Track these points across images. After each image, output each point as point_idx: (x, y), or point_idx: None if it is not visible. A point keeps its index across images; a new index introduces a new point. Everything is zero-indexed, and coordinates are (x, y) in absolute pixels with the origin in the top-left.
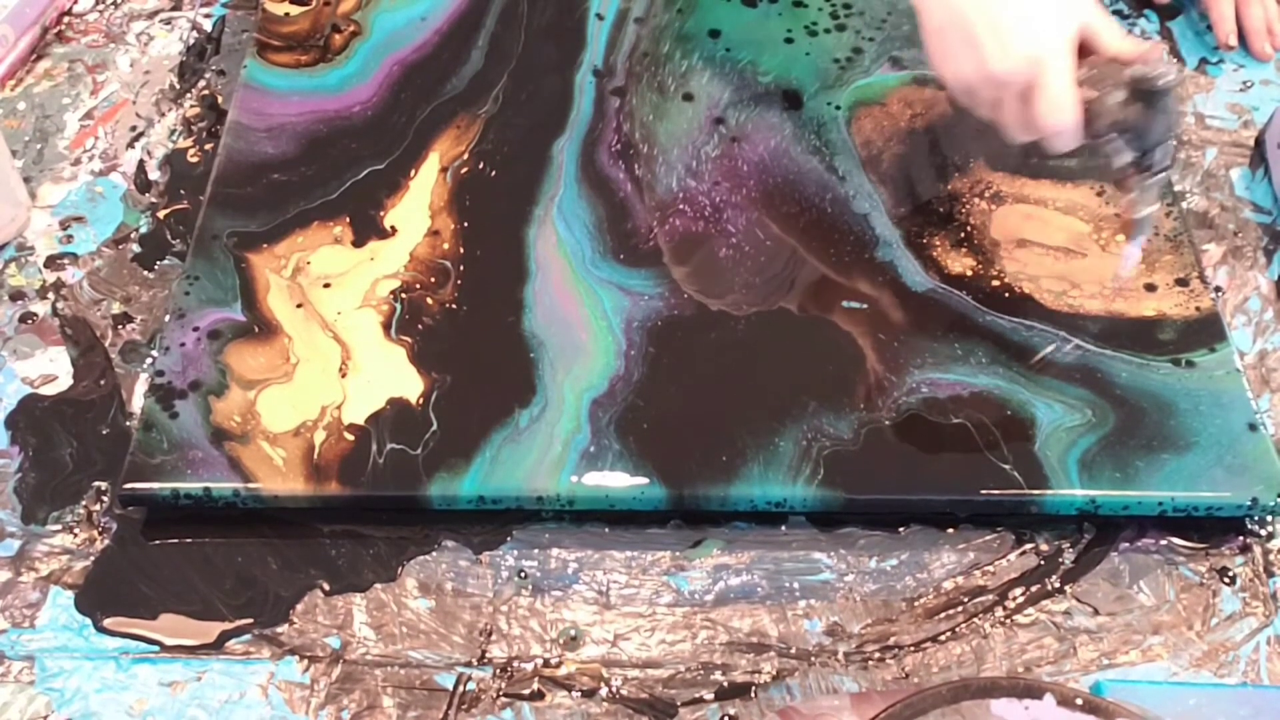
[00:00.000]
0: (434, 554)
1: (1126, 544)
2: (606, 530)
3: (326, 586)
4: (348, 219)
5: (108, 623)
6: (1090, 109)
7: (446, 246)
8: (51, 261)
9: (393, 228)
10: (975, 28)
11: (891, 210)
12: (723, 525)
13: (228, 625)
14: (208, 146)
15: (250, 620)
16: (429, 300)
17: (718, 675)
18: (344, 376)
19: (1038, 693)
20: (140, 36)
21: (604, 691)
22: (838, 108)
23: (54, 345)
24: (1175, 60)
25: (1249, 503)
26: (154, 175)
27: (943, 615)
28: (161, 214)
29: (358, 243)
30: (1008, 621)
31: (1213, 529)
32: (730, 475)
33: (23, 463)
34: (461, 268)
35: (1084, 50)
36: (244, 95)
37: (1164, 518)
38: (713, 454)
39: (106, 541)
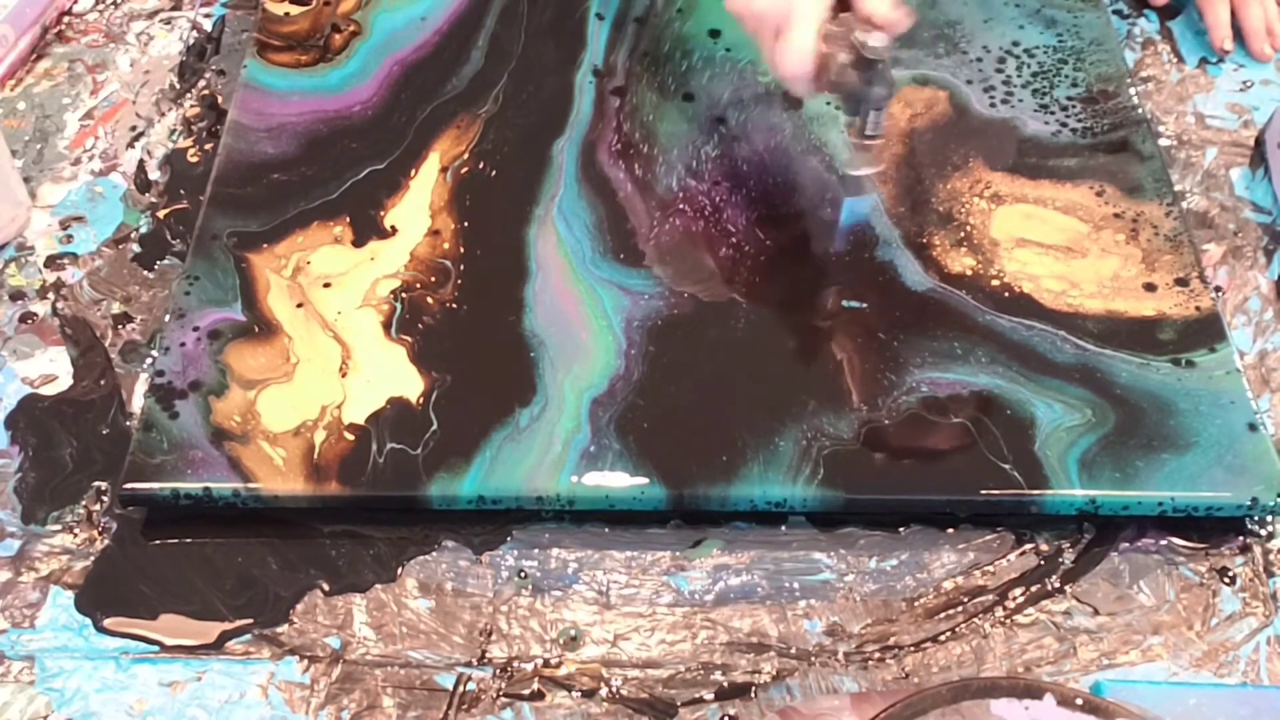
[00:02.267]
0: (434, 554)
1: (1126, 544)
2: (606, 530)
3: (326, 586)
4: (348, 219)
5: (108, 623)
6: (823, 63)
7: (447, 246)
8: (51, 261)
9: (393, 227)
10: None
11: (892, 210)
12: (723, 525)
13: (228, 625)
14: (208, 146)
15: (250, 620)
16: (429, 300)
17: (718, 675)
18: (344, 376)
19: (1038, 693)
20: (140, 36)
21: (604, 691)
22: (838, 108)
23: (54, 345)
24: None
25: (1249, 503)
26: (154, 175)
27: (943, 615)
28: (161, 214)
29: (358, 242)
30: (1008, 621)
31: (1213, 529)
32: (730, 475)
33: (23, 463)
34: (462, 267)
35: (843, 5)
36: (244, 95)
37: (1164, 518)
38: (713, 454)
39: (106, 541)
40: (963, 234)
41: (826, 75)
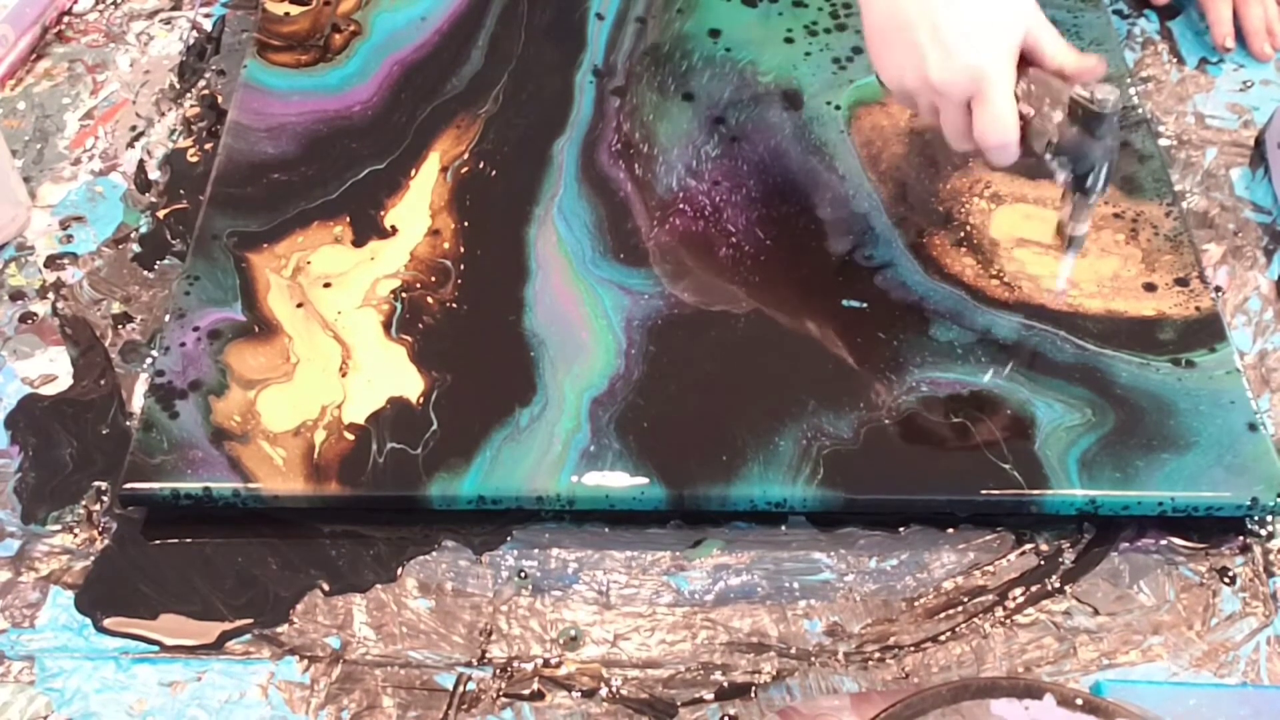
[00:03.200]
0: (434, 554)
1: (1126, 544)
2: (606, 530)
3: (326, 586)
4: (348, 219)
5: (108, 623)
6: (1029, 126)
7: (447, 246)
8: (51, 261)
9: (393, 227)
10: (917, 31)
11: (892, 210)
12: (723, 525)
13: (228, 625)
14: (208, 146)
15: (250, 620)
16: (429, 299)
17: (718, 675)
18: (344, 376)
19: (1038, 693)
20: (140, 36)
21: (604, 691)
22: (838, 108)
23: (54, 345)
24: (1116, 83)
25: (1249, 503)
26: (154, 175)
27: (943, 615)
28: (161, 214)
29: (358, 242)
30: (1008, 621)
31: (1213, 529)
32: (730, 475)
33: (23, 463)
34: (462, 267)
35: (1025, 60)
36: (244, 95)
37: (1164, 518)
38: (713, 454)
39: (106, 541)
40: (963, 234)
41: (1035, 140)
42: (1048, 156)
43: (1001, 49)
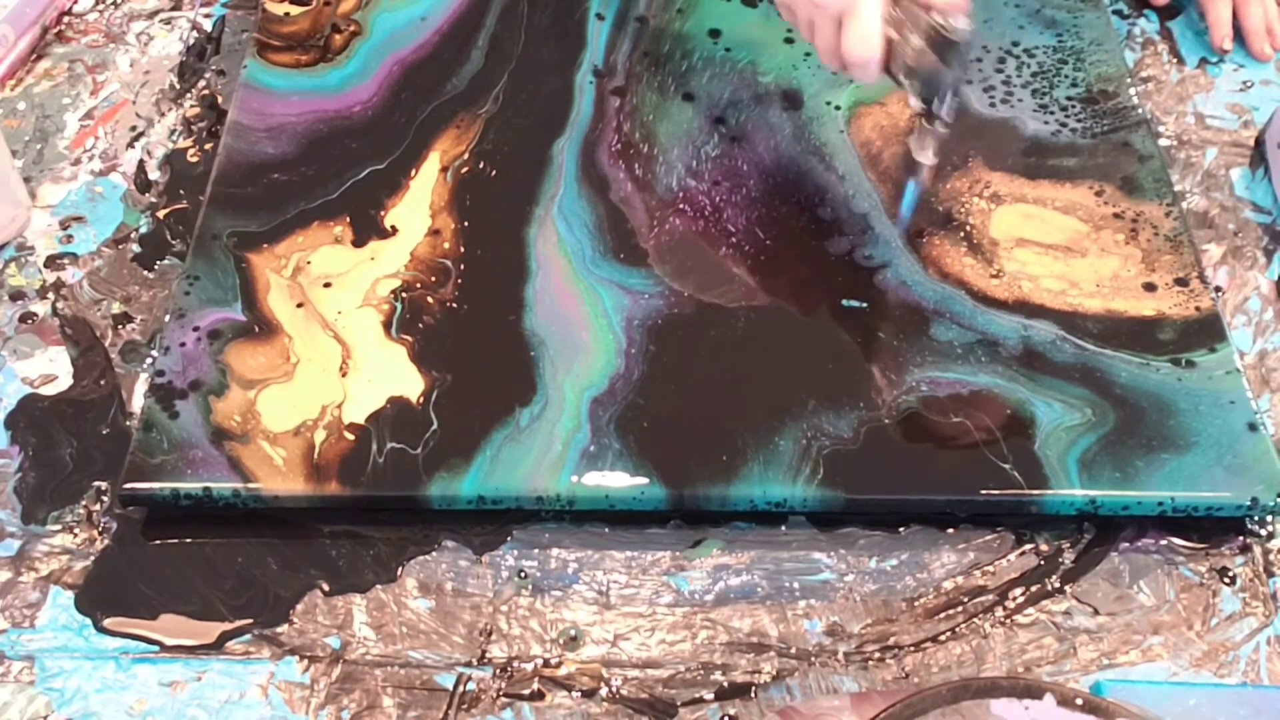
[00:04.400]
0: (434, 554)
1: (1126, 544)
2: (606, 530)
3: (326, 586)
4: (348, 219)
5: (108, 623)
6: (891, 48)
7: (447, 246)
8: (51, 261)
9: (393, 227)
10: None
11: (891, 210)
12: (723, 525)
13: (228, 625)
14: (208, 146)
15: (250, 620)
16: (429, 299)
17: (718, 675)
18: (344, 376)
19: (1038, 693)
20: (140, 36)
21: (604, 691)
22: (838, 108)
23: (54, 345)
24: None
25: (1249, 503)
26: (154, 175)
27: (943, 615)
28: (161, 214)
29: (358, 242)
30: (1008, 621)
31: (1213, 529)
32: (730, 475)
33: (23, 463)
34: (462, 267)
35: None
36: (244, 95)
37: (1164, 518)
38: (713, 454)
39: (106, 541)
40: (963, 234)
41: (895, 60)
42: (901, 78)
43: None
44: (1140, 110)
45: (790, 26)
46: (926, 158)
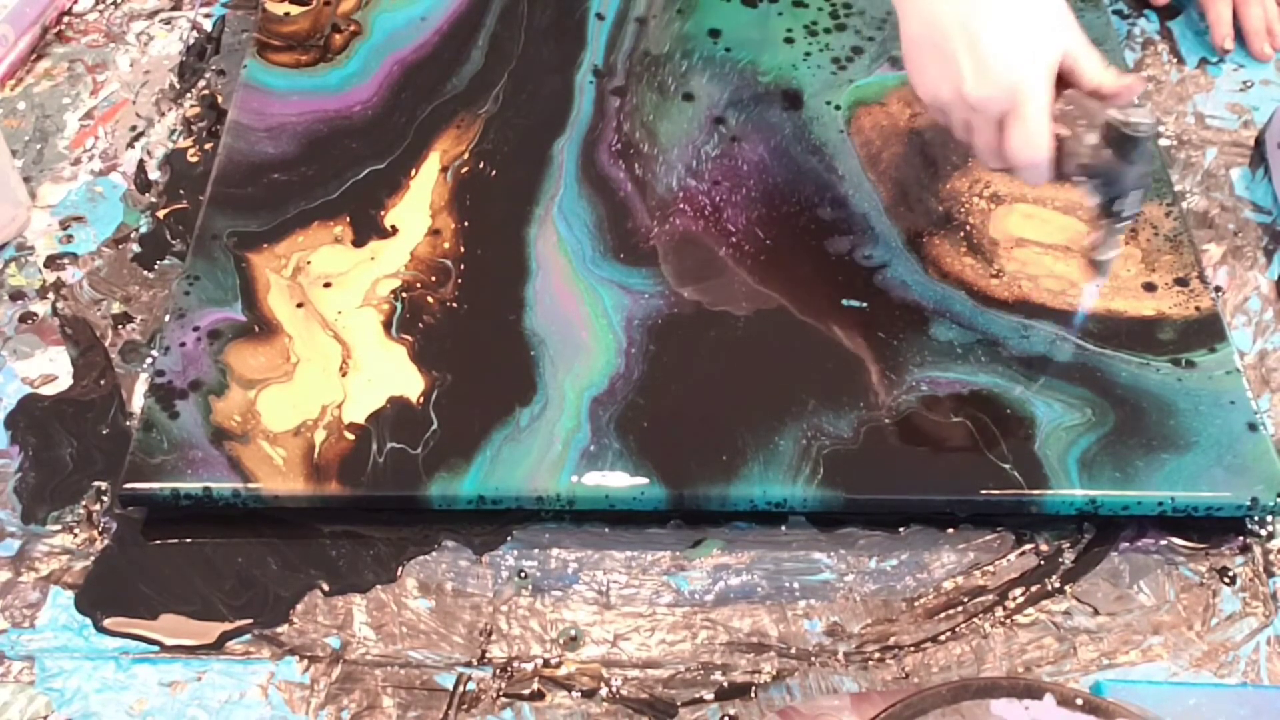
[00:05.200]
0: (434, 554)
1: (1126, 544)
2: (606, 530)
3: (326, 586)
4: (348, 218)
5: (108, 623)
6: (1063, 147)
7: (447, 246)
8: (51, 261)
9: (393, 227)
10: (954, 45)
11: (891, 210)
12: (723, 525)
13: (228, 625)
14: (208, 146)
15: (250, 620)
16: (429, 299)
17: (718, 675)
18: (344, 376)
19: (1038, 693)
20: (140, 36)
21: (604, 691)
22: (838, 107)
23: (54, 345)
24: (1151, 103)
25: (1249, 503)
26: (154, 175)
27: (943, 615)
28: (161, 214)
29: (358, 242)
30: (1008, 621)
31: (1213, 529)
32: (730, 475)
33: (23, 463)
34: (462, 267)
35: (1063, 80)
36: (244, 95)
37: (1164, 518)
38: (713, 454)
39: (106, 541)
40: (962, 234)
41: (1068, 159)
42: (1079, 179)
43: (1039, 67)
44: None
45: (790, 27)
46: (1108, 255)
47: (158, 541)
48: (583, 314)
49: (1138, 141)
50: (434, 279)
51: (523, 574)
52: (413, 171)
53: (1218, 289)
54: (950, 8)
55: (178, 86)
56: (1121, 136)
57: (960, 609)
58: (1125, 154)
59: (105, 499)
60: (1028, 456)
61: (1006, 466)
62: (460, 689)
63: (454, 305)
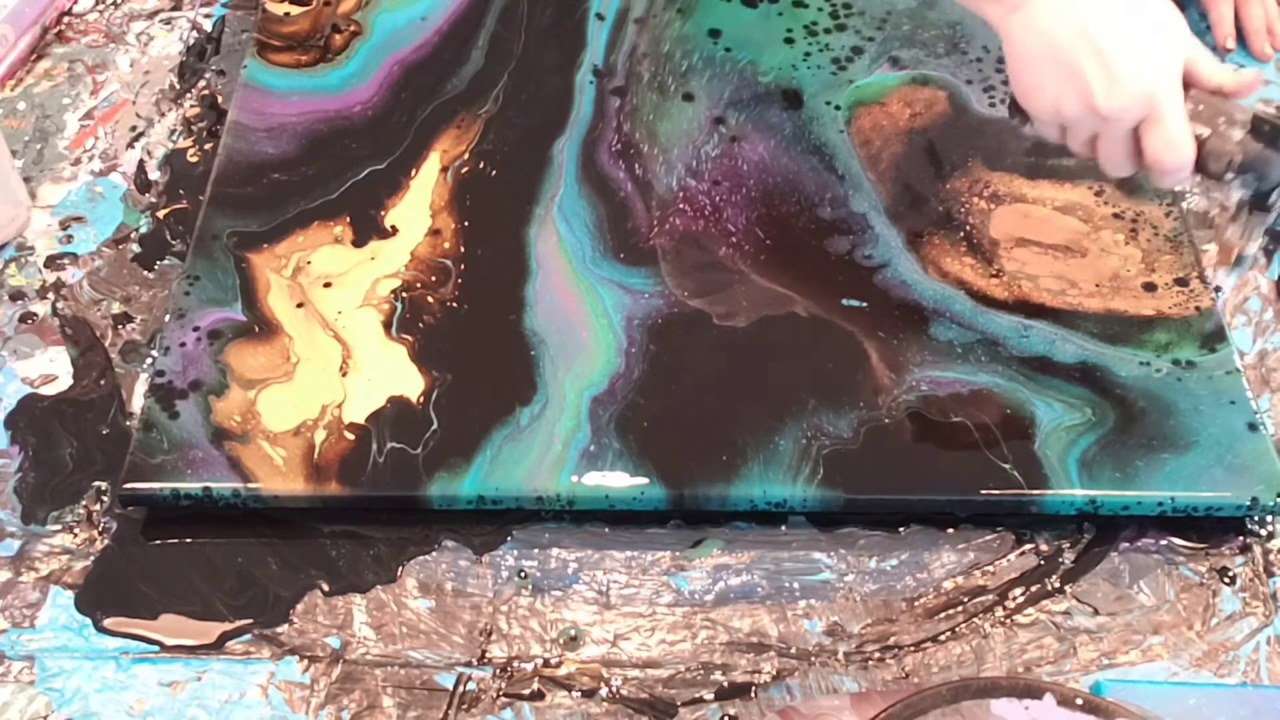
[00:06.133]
0: (434, 554)
1: (1126, 544)
2: (606, 530)
3: (326, 586)
4: (348, 219)
5: (108, 623)
6: (1204, 147)
7: (447, 246)
8: (51, 261)
9: (393, 227)
10: (1079, 60)
11: (891, 210)
12: (723, 525)
13: (228, 625)
14: (208, 146)
15: (250, 620)
16: (430, 299)
17: (718, 675)
18: (344, 376)
19: (1038, 693)
20: (140, 36)
21: (604, 691)
22: (838, 107)
23: (54, 345)
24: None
25: (1249, 503)
26: (154, 175)
27: (943, 615)
28: (161, 214)
29: (358, 242)
30: (1008, 621)
31: (1213, 529)
32: (730, 475)
33: (23, 463)
34: (462, 267)
35: (1184, 83)
36: (244, 95)
37: (1164, 518)
38: (713, 454)
39: (106, 541)
40: (962, 234)
41: (1212, 158)
42: (1229, 176)
43: (1169, 72)
44: None
45: (790, 27)
46: (1253, 248)
47: (158, 541)
48: (583, 314)
49: None
50: (434, 279)
51: (523, 574)
52: (413, 171)
53: (1218, 289)
54: (1068, 22)
55: (178, 86)
56: (1274, 128)
57: (960, 609)
58: (1276, 145)
59: (105, 499)
60: (1028, 456)
61: (1006, 466)
62: (460, 689)
63: (454, 305)
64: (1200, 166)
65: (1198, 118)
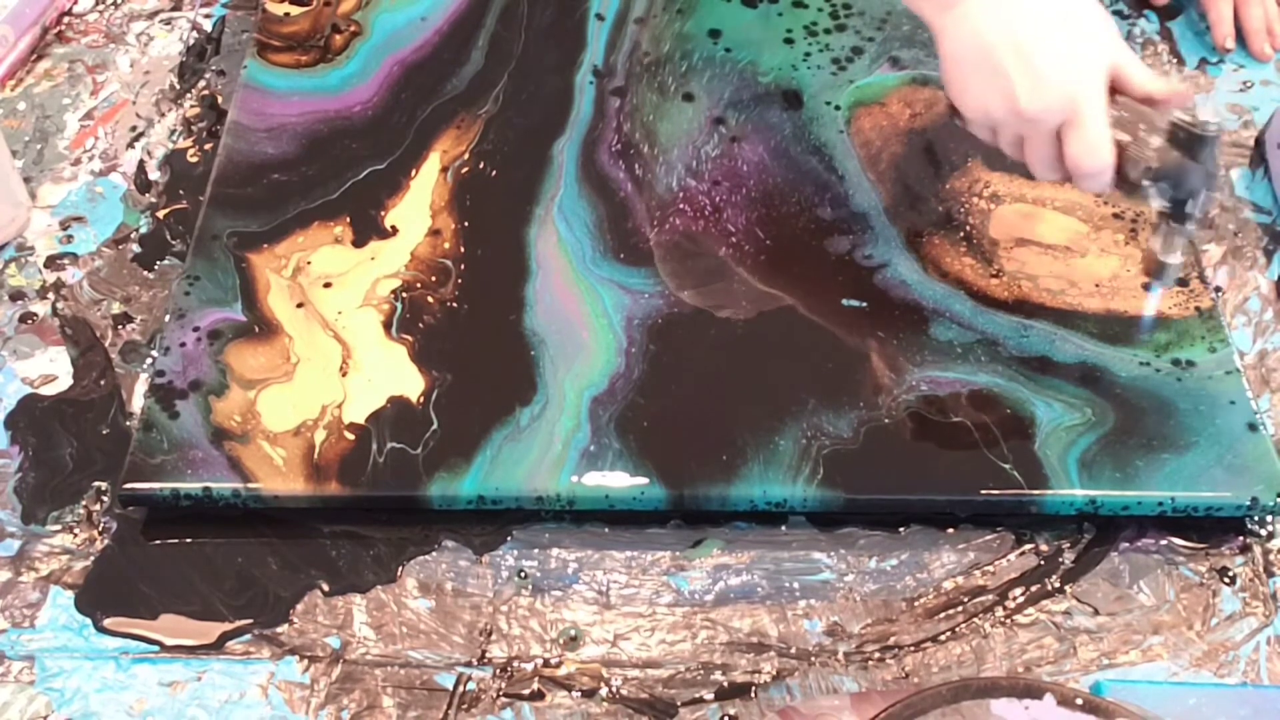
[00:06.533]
0: (434, 554)
1: (1126, 544)
2: (606, 530)
3: (326, 586)
4: (348, 219)
5: (108, 623)
6: (1125, 153)
7: (447, 246)
8: (51, 261)
9: (393, 227)
10: (1004, 61)
11: (891, 210)
12: (723, 525)
13: (228, 625)
14: (208, 146)
15: (250, 620)
16: (430, 299)
17: (718, 675)
18: (344, 376)
19: (1038, 693)
20: (140, 36)
21: (604, 691)
22: (837, 108)
23: (54, 345)
24: (1211, 104)
25: (1249, 503)
26: (154, 175)
27: (943, 615)
28: (161, 214)
29: (358, 242)
30: (1008, 621)
31: (1213, 529)
32: (730, 475)
33: (23, 463)
34: (462, 267)
35: (1111, 89)
36: (244, 95)
37: (1164, 518)
38: (713, 454)
39: (106, 541)
40: (962, 234)
41: (1131, 165)
42: (1146, 183)
43: (1093, 75)
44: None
45: (790, 27)
46: (1175, 258)
47: (158, 541)
48: (583, 314)
49: (1206, 140)
50: (434, 279)
51: (523, 574)
52: (413, 172)
53: (1218, 289)
54: (996, 23)
55: (178, 87)
56: (1190, 136)
57: (960, 609)
58: (1194, 153)
59: (105, 499)
60: (1028, 456)
61: (1006, 466)
62: (460, 689)
63: (454, 305)
64: (1119, 173)
65: (1120, 125)
